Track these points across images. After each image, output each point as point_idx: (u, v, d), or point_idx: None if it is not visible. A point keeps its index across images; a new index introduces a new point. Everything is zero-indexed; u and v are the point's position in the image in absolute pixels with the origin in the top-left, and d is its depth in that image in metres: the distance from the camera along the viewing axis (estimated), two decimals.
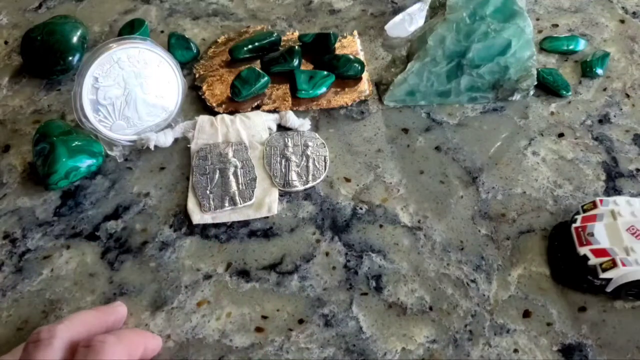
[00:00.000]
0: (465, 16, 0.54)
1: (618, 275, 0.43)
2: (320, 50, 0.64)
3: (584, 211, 0.47)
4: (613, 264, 0.43)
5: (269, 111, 0.58)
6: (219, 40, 0.66)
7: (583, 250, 0.44)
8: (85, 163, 0.53)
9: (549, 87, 0.60)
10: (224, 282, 0.47)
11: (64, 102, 0.61)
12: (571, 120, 0.58)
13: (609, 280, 0.44)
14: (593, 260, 0.44)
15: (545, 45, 0.65)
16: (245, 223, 0.51)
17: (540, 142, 0.56)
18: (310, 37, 0.64)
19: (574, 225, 0.46)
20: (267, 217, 0.51)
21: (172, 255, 0.49)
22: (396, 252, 0.48)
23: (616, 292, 0.45)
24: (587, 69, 0.62)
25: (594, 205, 0.47)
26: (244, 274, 0.47)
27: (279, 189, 0.53)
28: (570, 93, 0.60)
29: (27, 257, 0.49)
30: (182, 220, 0.51)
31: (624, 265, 0.43)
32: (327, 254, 0.48)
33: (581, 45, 0.64)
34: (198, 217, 0.51)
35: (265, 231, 0.50)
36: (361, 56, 0.64)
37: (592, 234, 0.45)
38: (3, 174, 0.55)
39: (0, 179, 0.55)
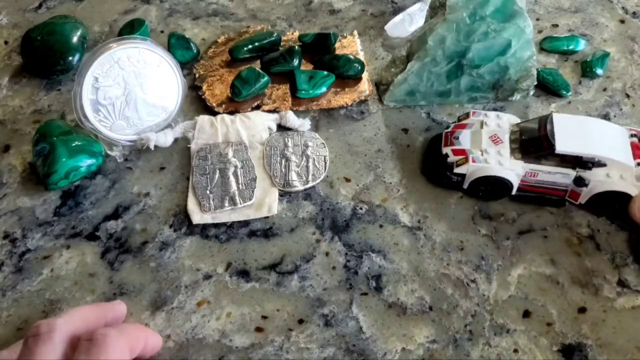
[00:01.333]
0: (465, 16, 0.54)
1: (469, 171, 0.49)
2: (320, 50, 0.64)
3: (459, 120, 0.53)
4: (465, 161, 0.49)
5: (269, 111, 0.58)
6: (219, 40, 0.66)
7: (445, 150, 0.51)
8: (85, 163, 0.53)
9: (549, 87, 0.60)
10: (224, 282, 0.47)
11: (64, 102, 0.61)
12: None
13: (463, 176, 0.49)
14: (451, 158, 0.50)
15: (545, 45, 0.65)
16: (245, 223, 0.51)
17: None
18: (310, 37, 0.64)
19: (445, 130, 0.53)
20: (267, 217, 0.51)
21: (172, 255, 0.49)
22: (396, 252, 0.48)
23: (470, 191, 0.50)
24: (587, 69, 0.62)
25: (467, 115, 0.53)
26: (244, 274, 0.47)
27: (279, 189, 0.53)
28: (570, 93, 0.60)
29: (27, 257, 0.49)
30: (182, 220, 0.51)
31: (474, 162, 0.49)
32: (327, 254, 0.48)
33: (581, 45, 0.64)
34: (198, 217, 0.51)
35: (265, 231, 0.50)
36: (361, 56, 0.64)
37: (457, 138, 0.51)
38: (3, 174, 0.55)
39: (0, 179, 0.55)
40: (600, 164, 0.47)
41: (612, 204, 0.49)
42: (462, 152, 0.50)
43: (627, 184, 0.47)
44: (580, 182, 0.48)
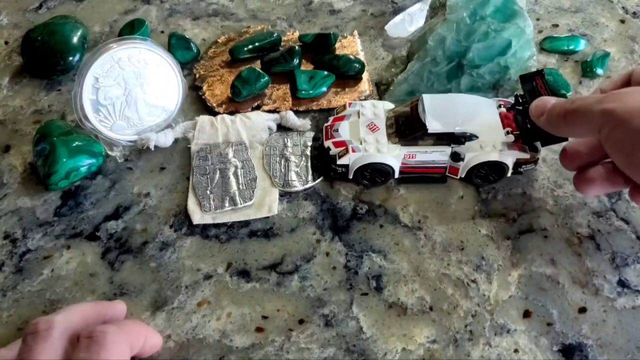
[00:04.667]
0: (465, 16, 0.54)
1: (351, 161, 0.50)
2: (320, 50, 0.64)
3: (337, 113, 0.55)
4: (346, 152, 0.50)
5: (269, 111, 0.58)
6: (219, 41, 0.66)
7: (327, 143, 0.52)
8: (86, 163, 0.53)
9: (549, 87, 0.60)
10: (224, 282, 0.47)
11: (64, 103, 0.61)
12: None
13: (347, 167, 0.51)
14: (333, 151, 0.51)
15: (546, 45, 0.65)
16: (245, 223, 0.51)
17: None
18: (310, 37, 0.64)
19: (325, 124, 0.54)
20: (267, 217, 0.51)
21: (172, 255, 0.49)
22: (396, 252, 0.48)
23: (356, 180, 0.52)
24: (587, 69, 0.62)
25: (344, 107, 0.54)
26: (244, 274, 0.47)
27: (279, 189, 0.53)
28: (570, 93, 0.60)
29: (27, 257, 0.49)
30: (182, 220, 0.51)
31: (354, 151, 0.50)
32: (327, 254, 0.48)
33: (581, 45, 0.64)
34: (198, 217, 0.51)
35: (266, 231, 0.50)
36: (361, 56, 0.64)
37: (337, 130, 0.52)
38: (3, 174, 0.55)
39: (1, 179, 0.55)
40: (472, 137, 0.49)
41: (490, 175, 0.51)
42: (342, 143, 0.51)
43: (499, 153, 0.50)
44: (456, 157, 0.50)
